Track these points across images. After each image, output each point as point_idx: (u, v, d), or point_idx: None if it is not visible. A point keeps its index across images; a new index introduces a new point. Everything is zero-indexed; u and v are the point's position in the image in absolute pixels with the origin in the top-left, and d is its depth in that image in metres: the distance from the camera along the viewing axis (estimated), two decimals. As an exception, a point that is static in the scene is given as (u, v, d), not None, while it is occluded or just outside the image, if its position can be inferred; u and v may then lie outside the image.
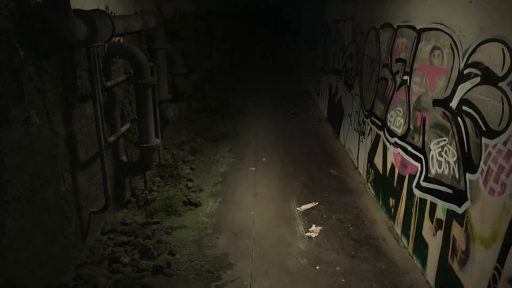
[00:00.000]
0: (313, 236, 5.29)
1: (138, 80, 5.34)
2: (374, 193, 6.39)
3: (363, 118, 7.17)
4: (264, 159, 7.99)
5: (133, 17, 5.70)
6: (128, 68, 5.83)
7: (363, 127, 7.16)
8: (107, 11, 5.18)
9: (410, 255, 4.82)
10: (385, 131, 5.87)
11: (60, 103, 4.05)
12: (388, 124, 5.73)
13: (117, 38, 5.52)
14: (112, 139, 4.95)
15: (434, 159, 4.24)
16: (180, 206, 5.85)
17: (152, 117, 5.61)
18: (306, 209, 6.01)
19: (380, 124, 6.15)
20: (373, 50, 6.52)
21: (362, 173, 7.17)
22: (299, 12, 17.69)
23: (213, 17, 13.74)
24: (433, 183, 4.25)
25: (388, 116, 5.73)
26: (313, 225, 5.55)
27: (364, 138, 7.07)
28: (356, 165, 7.57)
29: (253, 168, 7.50)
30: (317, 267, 4.64)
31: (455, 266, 3.76)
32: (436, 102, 4.20)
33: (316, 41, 12.72)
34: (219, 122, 10.54)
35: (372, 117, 6.59)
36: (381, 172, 6.03)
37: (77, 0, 4.21)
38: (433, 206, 4.25)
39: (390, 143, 5.62)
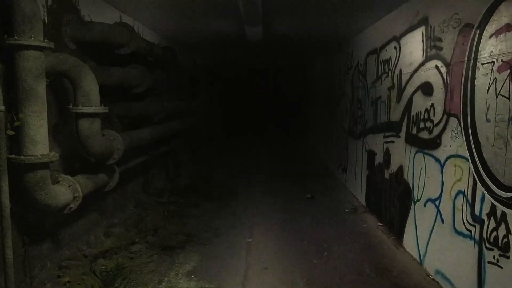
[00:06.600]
0: None
1: None
2: None
3: (490, 204, 3.07)
4: (261, 294, 3.69)
5: None
6: None
7: (497, 230, 3.01)
8: None
9: None
10: None
11: None
12: None
13: None
14: None
15: None
16: None
17: None
18: None
19: None
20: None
21: None
22: (304, 69, 14.71)
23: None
24: None
25: None
26: None
27: (508, 256, 2.88)
28: (477, 317, 3.25)
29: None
30: None
31: None
32: None
33: (337, 96, 9.09)
34: (187, 211, 6.32)
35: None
36: None
37: None
38: None
39: None
